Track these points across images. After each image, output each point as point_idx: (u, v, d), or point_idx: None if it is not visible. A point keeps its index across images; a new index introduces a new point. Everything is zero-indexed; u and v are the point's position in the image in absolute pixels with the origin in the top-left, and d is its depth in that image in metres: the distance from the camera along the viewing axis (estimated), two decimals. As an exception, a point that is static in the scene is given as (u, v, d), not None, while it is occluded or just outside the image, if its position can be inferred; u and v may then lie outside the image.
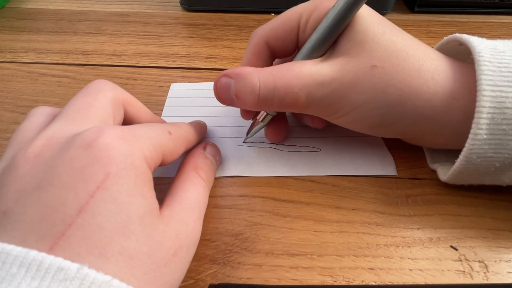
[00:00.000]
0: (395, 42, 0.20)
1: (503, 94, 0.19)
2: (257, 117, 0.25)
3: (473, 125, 0.19)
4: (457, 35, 0.22)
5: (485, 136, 0.19)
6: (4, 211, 0.14)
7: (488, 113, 0.19)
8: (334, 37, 0.21)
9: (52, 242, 0.13)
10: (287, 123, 0.27)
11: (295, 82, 0.21)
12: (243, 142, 0.27)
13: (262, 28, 0.24)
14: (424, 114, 0.21)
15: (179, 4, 0.47)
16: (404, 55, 0.20)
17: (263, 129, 0.27)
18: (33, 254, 0.12)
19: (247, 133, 0.26)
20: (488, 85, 0.19)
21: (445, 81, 0.20)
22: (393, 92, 0.20)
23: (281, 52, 0.24)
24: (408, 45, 0.21)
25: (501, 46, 0.20)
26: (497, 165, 0.20)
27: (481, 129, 0.19)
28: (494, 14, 0.44)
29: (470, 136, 0.19)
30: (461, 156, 0.20)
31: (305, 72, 0.21)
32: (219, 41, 0.39)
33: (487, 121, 0.19)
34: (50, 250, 0.13)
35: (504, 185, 0.22)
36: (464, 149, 0.20)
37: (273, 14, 0.45)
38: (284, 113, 0.27)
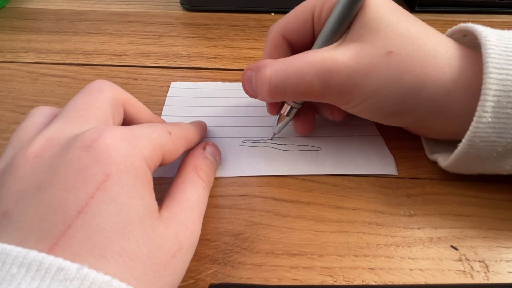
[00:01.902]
0: (410, 30, 0.20)
1: (509, 77, 0.19)
2: (281, 111, 0.25)
3: (478, 108, 0.19)
4: (462, 24, 0.22)
5: (489, 119, 0.19)
6: (4, 212, 0.14)
7: (494, 95, 0.19)
8: (347, 22, 0.21)
9: (52, 243, 0.13)
10: (314, 114, 0.27)
11: (307, 70, 0.21)
12: (271, 139, 0.27)
13: (277, 23, 0.24)
14: (440, 101, 0.20)
15: (179, 4, 0.47)
16: (420, 42, 0.20)
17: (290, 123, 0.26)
18: (33, 254, 0.12)
19: (274, 129, 0.26)
20: (495, 67, 0.19)
21: (461, 68, 0.20)
22: (409, 79, 0.20)
23: (298, 44, 0.24)
24: (423, 33, 0.21)
25: (506, 34, 0.20)
26: (500, 150, 0.20)
27: (486, 111, 0.19)
28: (495, 14, 0.44)
29: (475, 119, 0.19)
30: (464, 140, 0.20)
31: (318, 59, 0.21)
32: (219, 41, 0.39)
33: (492, 104, 0.19)
34: (50, 251, 0.13)
35: (505, 173, 0.21)
36: (468, 133, 0.19)
37: (273, 14, 0.45)
38: (311, 104, 0.26)
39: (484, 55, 0.19)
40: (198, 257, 0.20)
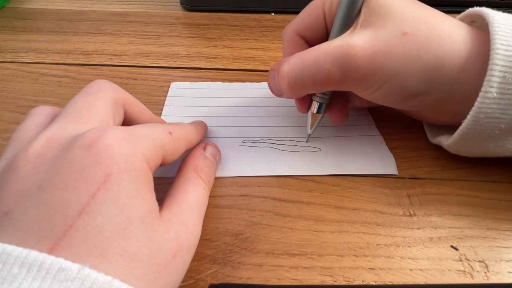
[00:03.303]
0: (421, 13, 0.21)
1: None
2: (311, 109, 0.25)
3: (485, 83, 0.19)
4: (470, 9, 0.23)
5: (495, 95, 0.19)
6: (5, 212, 0.14)
7: (500, 71, 0.19)
8: (356, 9, 0.22)
9: (53, 243, 0.13)
10: (346, 101, 0.27)
11: (324, 58, 0.21)
12: (306, 141, 0.27)
13: (291, 23, 0.25)
14: (459, 79, 0.21)
15: (179, 4, 0.47)
16: (433, 23, 0.21)
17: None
18: (34, 254, 0.12)
19: (308, 130, 0.26)
20: (502, 44, 0.19)
21: (475, 46, 0.21)
22: (427, 58, 0.20)
23: (314, 41, 0.25)
24: (434, 15, 0.21)
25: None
26: (503, 127, 0.20)
27: (492, 87, 0.19)
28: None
29: (481, 94, 0.19)
30: (469, 116, 0.20)
31: (334, 47, 0.21)
32: (219, 41, 0.39)
33: (498, 80, 0.19)
34: (51, 251, 0.13)
35: (507, 154, 0.22)
36: (473, 108, 0.20)
37: (273, 14, 0.45)
38: (339, 93, 0.26)
39: (492, 33, 0.19)
40: (198, 257, 0.20)
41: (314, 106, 0.25)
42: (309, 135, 0.27)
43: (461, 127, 0.21)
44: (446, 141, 0.23)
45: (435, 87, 0.21)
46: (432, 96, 0.22)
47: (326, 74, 0.21)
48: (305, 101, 0.26)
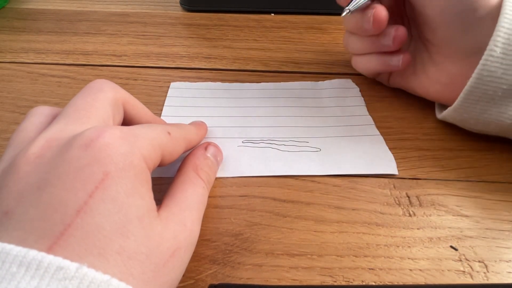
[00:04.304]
0: None
1: None
2: None
3: (490, 42, 0.21)
4: None
5: (499, 53, 0.21)
6: (5, 212, 0.14)
7: (505, 33, 0.21)
8: None
9: (52, 242, 0.13)
10: (386, 10, 0.27)
11: None
12: (342, 15, 0.25)
13: None
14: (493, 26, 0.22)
15: (179, 4, 0.47)
16: None
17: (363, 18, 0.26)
18: (33, 253, 0.12)
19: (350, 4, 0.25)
20: (510, 9, 0.21)
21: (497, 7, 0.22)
22: None
23: None
24: None
25: None
26: (505, 87, 0.22)
27: (497, 46, 0.21)
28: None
29: (486, 52, 0.21)
30: (474, 74, 0.22)
31: None
32: (219, 41, 0.39)
33: (503, 40, 0.21)
34: (50, 250, 0.13)
35: (508, 121, 0.23)
36: (478, 66, 0.22)
37: (273, 14, 0.45)
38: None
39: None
40: (198, 258, 0.20)
41: None
42: (349, 10, 0.25)
43: (466, 87, 0.23)
44: (452, 109, 0.25)
45: (479, 25, 0.23)
46: (475, 37, 0.23)
47: None
48: None
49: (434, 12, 0.25)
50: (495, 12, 0.22)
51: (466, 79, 0.23)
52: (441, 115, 0.27)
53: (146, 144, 0.17)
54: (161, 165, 0.18)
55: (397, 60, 0.28)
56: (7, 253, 0.12)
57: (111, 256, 0.13)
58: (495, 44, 0.21)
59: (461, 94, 0.23)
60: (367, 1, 0.25)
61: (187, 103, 0.30)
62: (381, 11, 0.26)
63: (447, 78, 0.26)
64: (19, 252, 0.12)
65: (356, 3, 0.25)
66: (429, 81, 0.28)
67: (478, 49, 0.23)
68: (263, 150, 0.26)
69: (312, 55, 0.38)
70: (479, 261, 0.20)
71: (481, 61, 0.22)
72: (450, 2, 0.23)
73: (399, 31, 0.26)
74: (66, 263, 0.12)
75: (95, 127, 0.16)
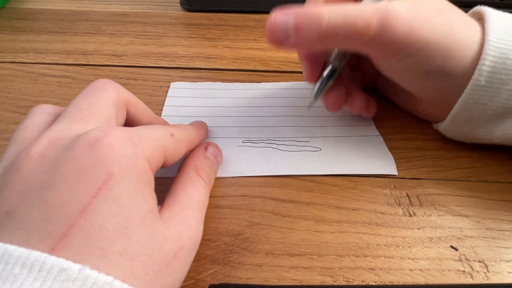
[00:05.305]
0: (443, 3, 0.22)
1: (507, 46, 0.21)
2: (324, 74, 0.24)
3: (476, 72, 0.21)
4: (476, 7, 0.24)
5: (483, 83, 0.21)
6: (7, 211, 0.14)
7: (491, 61, 0.21)
8: None
9: (55, 243, 0.13)
10: (345, 90, 0.26)
11: (366, 8, 0.21)
12: (308, 109, 0.26)
13: None
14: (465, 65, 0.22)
15: (179, 4, 0.47)
16: (458, 10, 0.22)
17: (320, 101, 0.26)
18: (36, 254, 0.12)
19: (313, 95, 0.25)
20: (495, 37, 0.21)
21: (478, 38, 0.22)
22: (458, 35, 0.21)
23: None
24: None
25: (510, 15, 0.22)
26: (490, 113, 0.22)
27: (482, 75, 0.21)
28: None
29: (471, 82, 0.21)
30: (459, 101, 0.22)
31: (378, 4, 0.21)
32: (219, 41, 0.39)
33: (488, 69, 0.21)
34: (52, 251, 0.13)
35: (497, 141, 0.24)
36: (463, 94, 0.22)
37: (273, 14, 0.45)
38: (339, 80, 0.26)
39: (487, 27, 0.21)
40: (198, 258, 0.20)
41: (327, 69, 0.24)
42: (313, 101, 0.26)
43: (452, 111, 0.23)
44: (441, 127, 0.25)
45: (460, 66, 0.22)
46: (450, 81, 0.22)
47: (365, 24, 0.20)
48: (317, 66, 0.25)
49: (413, 90, 0.25)
50: (471, 66, 0.21)
51: (453, 104, 0.23)
52: (434, 126, 0.27)
53: (149, 146, 0.17)
54: (163, 166, 0.18)
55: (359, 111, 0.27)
56: (10, 254, 0.12)
57: (114, 257, 0.13)
58: (480, 73, 0.21)
59: (448, 118, 0.24)
60: (329, 85, 0.25)
61: (187, 103, 0.30)
62: (336, 101, 0.26)
63: (431, 107, 0.26)
64: (22, 253, 0.12)
65: (317, 93, 0.25)
66: (415, 106, 0.28)
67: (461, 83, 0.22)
68: (263, 150, 0.26)
69: (312, 55, 0.37)
70: (479, 261, 0.20)
71: (466, 90, 0.22)
72: (426, 83, 0.23)
73: (338, 99, 0.26)
74: (69, 264, 0.12)
75: (99, 127, 0.16)
